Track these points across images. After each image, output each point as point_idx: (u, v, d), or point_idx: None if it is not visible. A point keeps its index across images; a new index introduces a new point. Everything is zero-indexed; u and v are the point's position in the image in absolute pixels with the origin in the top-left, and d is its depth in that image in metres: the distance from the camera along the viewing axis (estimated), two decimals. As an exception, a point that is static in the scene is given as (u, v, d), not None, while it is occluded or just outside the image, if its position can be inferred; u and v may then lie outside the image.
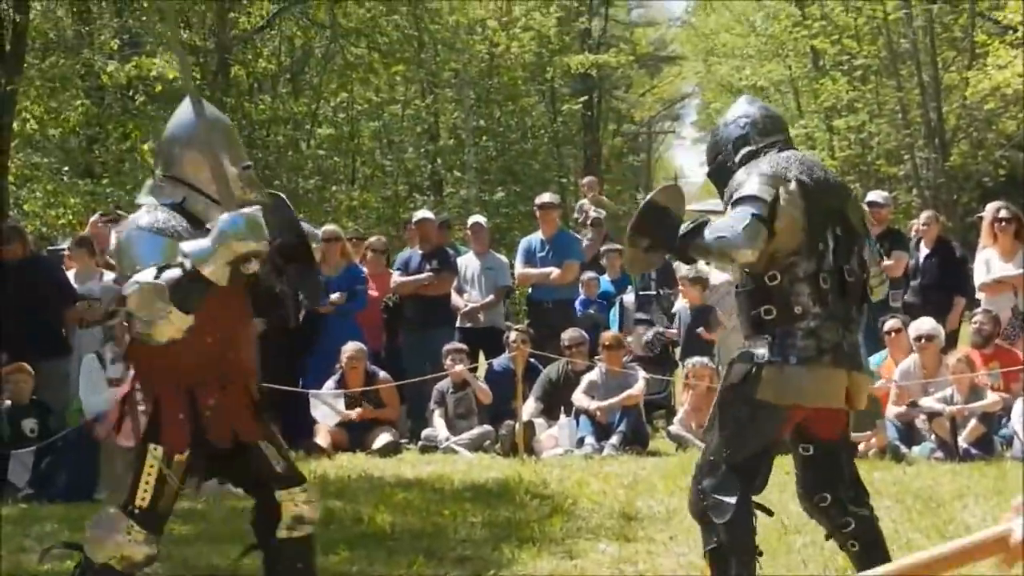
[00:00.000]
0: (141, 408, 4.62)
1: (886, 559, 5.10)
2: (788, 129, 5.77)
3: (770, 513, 5.34)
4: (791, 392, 5.06)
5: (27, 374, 10.30)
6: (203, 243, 4.39)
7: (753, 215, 5.06)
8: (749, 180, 5.10)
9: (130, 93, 23.02)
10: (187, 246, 4.41)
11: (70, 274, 11.85)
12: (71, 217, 21.15)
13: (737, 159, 5.31)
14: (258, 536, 4.92)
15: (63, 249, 13.54)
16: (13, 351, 10.58)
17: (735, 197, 5.10)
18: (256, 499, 4.91)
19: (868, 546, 5.32)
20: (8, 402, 10.29)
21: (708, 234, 5.06)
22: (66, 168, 24.12)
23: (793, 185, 5.03)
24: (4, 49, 16.63)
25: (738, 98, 6.30)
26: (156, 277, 4.34)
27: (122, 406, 4.74)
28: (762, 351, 5.08)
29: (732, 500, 5.02)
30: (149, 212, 4.68)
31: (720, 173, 5.44)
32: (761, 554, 5.23)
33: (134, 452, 4.67)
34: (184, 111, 4.87)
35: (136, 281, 4.35)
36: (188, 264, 4.34)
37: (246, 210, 4.51)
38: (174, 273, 4.32)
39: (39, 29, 20.19)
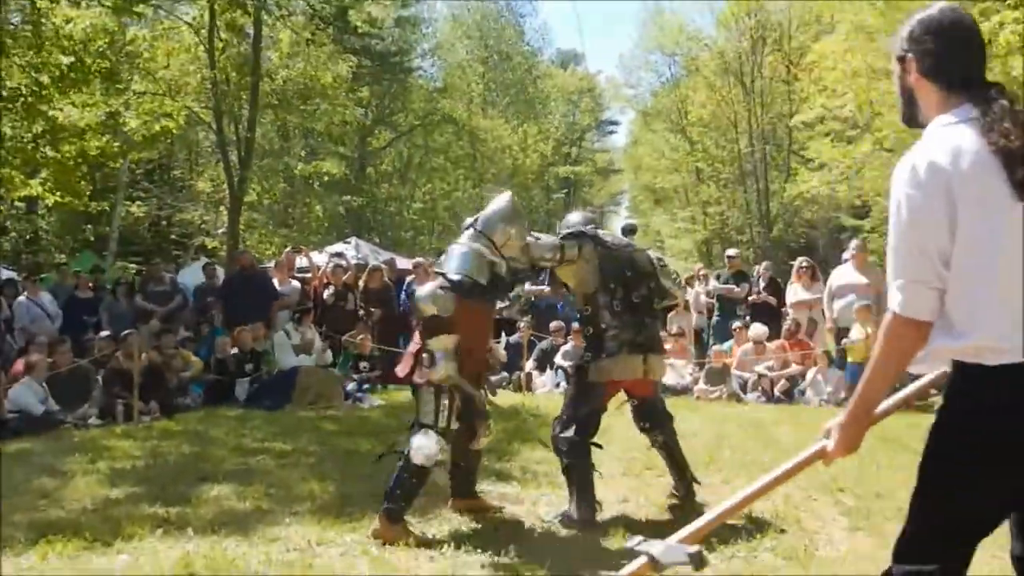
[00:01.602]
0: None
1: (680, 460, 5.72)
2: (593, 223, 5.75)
3: (600, 447, 5.41)
4: (604, 374, 5.31)
5: (248, 332, 11.15)
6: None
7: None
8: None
9: (308, 181, 23.99)
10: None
11: (274, 281, 12.82)
12: (273, 250, 22.37)
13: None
14: (457, 451, 4.99)
15: (268, 267, 14.39)
16: (239, 322, 11.35)
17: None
18: (464, 423, 4.84)
19: (670, 452, 5.75)
20: (236, 349, 11.06)
21: None
22: (270, 222, 25.26)
23: (588, 246, 5.33)
24: (240, 154, 18.14)
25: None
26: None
27: (416, 358, 4.79)
28: (588, 352, 5.41)
29: (576, 438, 5.24)
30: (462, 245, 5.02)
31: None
32: (601, 475, 5.37)
33: (430, 395, 4.68)
34: (503, 200, 5.24)
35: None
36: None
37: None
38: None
39: (259, 143, 21.06)
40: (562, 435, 5.27)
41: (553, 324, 12.90)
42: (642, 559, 2.61)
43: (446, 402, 4.67)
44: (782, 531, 4.88)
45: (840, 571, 4.14)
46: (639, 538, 2.72)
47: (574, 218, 5.77)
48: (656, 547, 2.60)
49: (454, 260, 4.92)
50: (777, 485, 2.74)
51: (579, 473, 5.20)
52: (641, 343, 5.35)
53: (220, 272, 14.16)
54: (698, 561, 2.56)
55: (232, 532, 4.75)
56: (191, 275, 15.51)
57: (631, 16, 73.22)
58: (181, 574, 4.08)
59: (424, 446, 4.61)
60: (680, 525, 2.77)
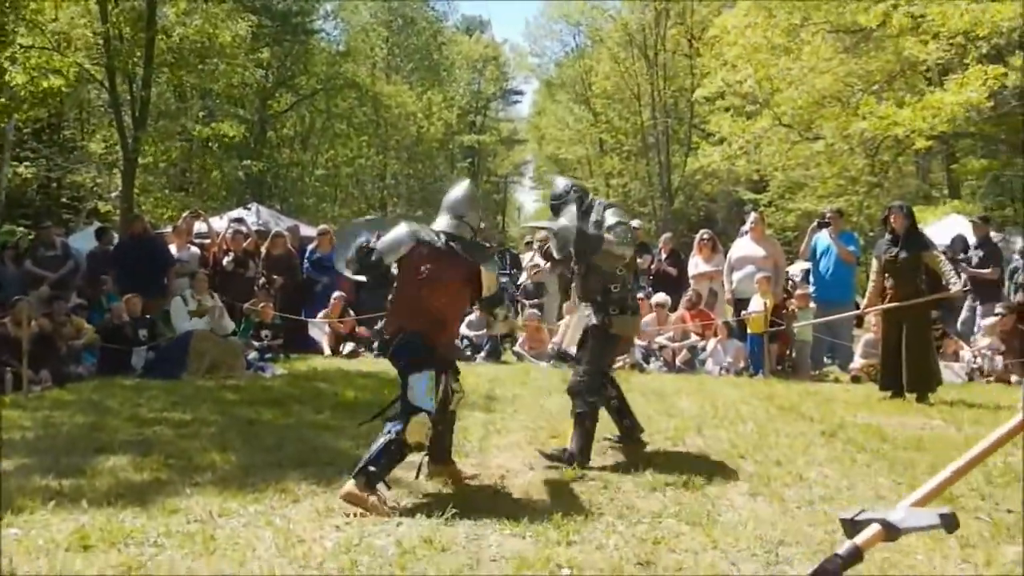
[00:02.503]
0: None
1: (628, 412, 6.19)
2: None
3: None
4: (626, 329, 6.01)
5: (138, 299, 10.91)
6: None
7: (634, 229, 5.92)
8: (610, 211, 5.85)
9: (206, 144, 23.46)
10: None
11: (170, 248, 12.59)
12: (171, 214, 21.81)
13: (571, 200, 5.90)
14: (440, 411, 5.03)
15: (165, 232, 14.20)
16: (133, 289, 11.07)
17: (615, 220, 5.76)
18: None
19: (619, 409, 6.20)
20: (128, 317, 10.75)
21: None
22: (167, 186, 24.62)
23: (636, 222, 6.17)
24: (135, 115, 17.65)
25: (555, 172, 7.07)
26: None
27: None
28: (610, 308, 5.82)
29: (597, 384, 5.84)
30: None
31: (557, 209, 6.00)
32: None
33: (431, 379, 4.87)
34: (461, 186, 5.51)
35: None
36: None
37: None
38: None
39: (155, 103, 20.44)
40: (584, 381, 5.80)
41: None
42: (874, 528, 2.54)
43: (442, 385, 4.95)
44: (685, 497, 4.98)
45: (741, 535, 4.24)
46: (856, 508, 2.67)
47: (564, 183, 6.18)
48: (893, 514, 2.53)
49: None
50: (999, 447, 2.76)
51: (591, 420, 5.79)
52: (631, 306, 6.02)
53: (116, 237, 13.69)
54: (951, 523, 2.50)
55: (129, 504, 4.63)
56: (83, 240, 15.03)
57: (538, -18, 72.71)
58: (76, 547, 3.97)
59: (424, 426, 4.77)
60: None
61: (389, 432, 4.77)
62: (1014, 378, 10.58)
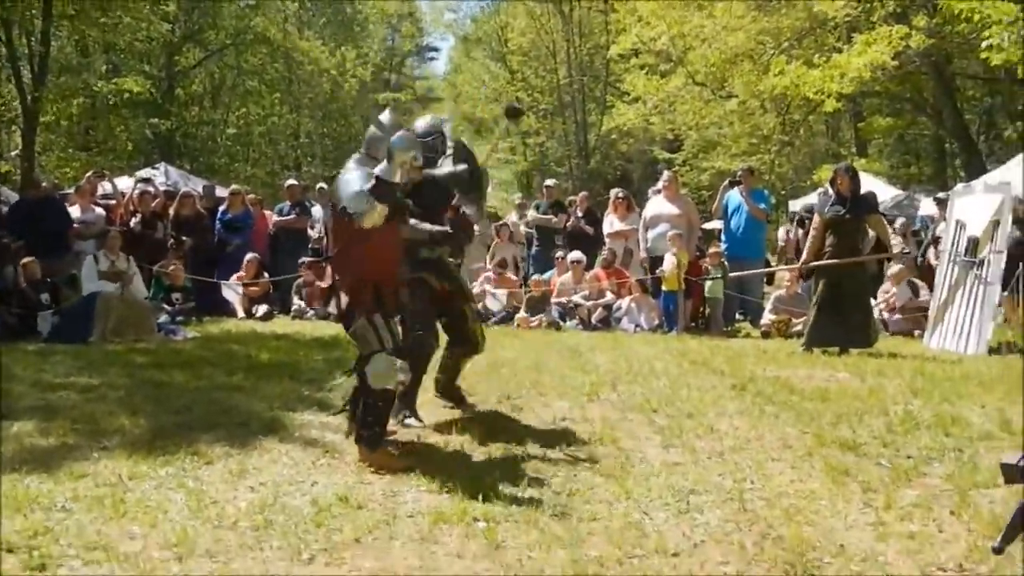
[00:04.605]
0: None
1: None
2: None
3: None
4: None
5: (35, 263, 10.56)
6: (384, 164, 4.73)
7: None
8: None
9: (110, 101, 22.76)
10: (376, 169, 4.71)
11: (74, 209, 12.20)
12: (72, 174, 20.98)
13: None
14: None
15: (68, 193, 13.69)
16: (33, 252, 10.71)
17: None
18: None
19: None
20: (25, 282, 10.41)
21: None
22: (70, 145, 23.82)
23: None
24: (34, 70, 17.13)
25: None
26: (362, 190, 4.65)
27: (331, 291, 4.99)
28: None
29: None
30: (358, 165, 4.90)
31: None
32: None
33: (365, 328, 4.72)
34: (385, 118, 5.13)
35: (354, 192, 4.67)
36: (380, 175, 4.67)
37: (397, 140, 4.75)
38: (372, 184, 4.66)
39: (55, 58, 19.99)
40: None
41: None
42: None
43: (380, 322, 4.73)
44: (599, 450, 5.07)
45: (654, 485, 4.35)
46: (1019, 454, 2.63)
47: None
48: None
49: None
50: None
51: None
52: None
53: (10, 196, 13.28)
54: None
55: (35, 469, 4.52)
56: (-20, 202, 14.43)
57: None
58: (-23, 514, 3.87)
59: (378, 369, 4.68)
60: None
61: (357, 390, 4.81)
62: (916, 332, 10.93)
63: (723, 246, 12.36)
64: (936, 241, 12.24)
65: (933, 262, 11.84)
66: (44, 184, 13.01)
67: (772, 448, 5.05)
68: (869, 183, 14.95)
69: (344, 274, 4.97)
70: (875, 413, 5.87)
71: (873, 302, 10.60)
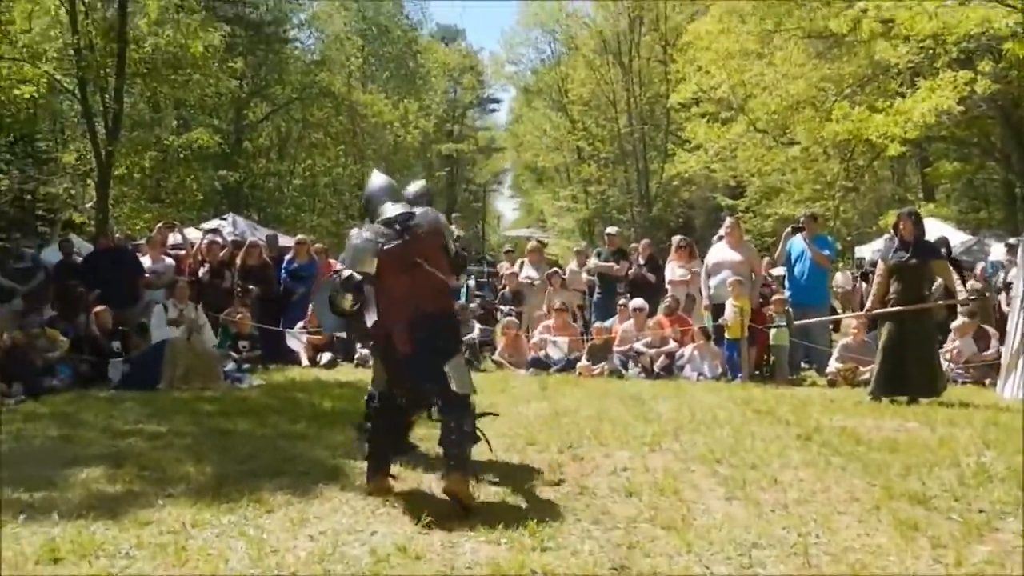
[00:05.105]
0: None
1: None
2: None
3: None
4: None
5: (107, 312, 10.85)
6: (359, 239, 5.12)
7: None
8: None
9: (181, 154, 23.29)
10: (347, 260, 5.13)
11: (145, 259, 12.56)
12: (144, 225, 21.70)
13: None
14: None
15: (139, 244, 14.01)
16: (105, 301, 11.05)
17: None
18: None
19: None
20: (97, 330, 10.72)
21: None
22: (142, 197, 24.54)
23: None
24: (108, 126, 17.67)
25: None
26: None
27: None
28: None
29: None
30: (359, 232, 5.28)
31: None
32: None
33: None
34: (376, 179, 5.68)
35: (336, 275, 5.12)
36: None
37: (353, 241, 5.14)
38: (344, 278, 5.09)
39: (128, 114, 20.47)
40: None
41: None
42: None
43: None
44: (660, 501, 4.97)
45: (716, 538, 4.25)
46: None
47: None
48: None
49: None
50: None
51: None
52: None
53: (84, 247, 13.53)
54: None
55: (101, 516, 4.59)
56: (56, 252, 14.65)
57: (511, -9, 72.89)
58: (45, 560, 3.93)
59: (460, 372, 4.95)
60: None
61: (462, 428, 4.89)
62: (987, 380, 10.63)
63: (787, 293, 12.21)
64: (1007, 287, 11.93)
65: (1004, 308, 11.55)
66: (117, 235, 13.41)
67: (838, 501, 4.91)
68: (939, 228, 14.86)
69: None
70: (946, 465, 5.69)
71: (941, 351, 10.35)
